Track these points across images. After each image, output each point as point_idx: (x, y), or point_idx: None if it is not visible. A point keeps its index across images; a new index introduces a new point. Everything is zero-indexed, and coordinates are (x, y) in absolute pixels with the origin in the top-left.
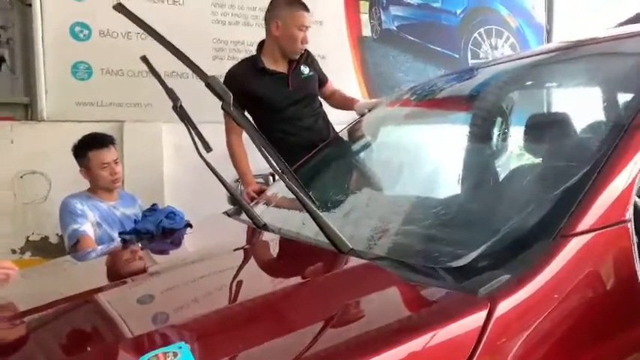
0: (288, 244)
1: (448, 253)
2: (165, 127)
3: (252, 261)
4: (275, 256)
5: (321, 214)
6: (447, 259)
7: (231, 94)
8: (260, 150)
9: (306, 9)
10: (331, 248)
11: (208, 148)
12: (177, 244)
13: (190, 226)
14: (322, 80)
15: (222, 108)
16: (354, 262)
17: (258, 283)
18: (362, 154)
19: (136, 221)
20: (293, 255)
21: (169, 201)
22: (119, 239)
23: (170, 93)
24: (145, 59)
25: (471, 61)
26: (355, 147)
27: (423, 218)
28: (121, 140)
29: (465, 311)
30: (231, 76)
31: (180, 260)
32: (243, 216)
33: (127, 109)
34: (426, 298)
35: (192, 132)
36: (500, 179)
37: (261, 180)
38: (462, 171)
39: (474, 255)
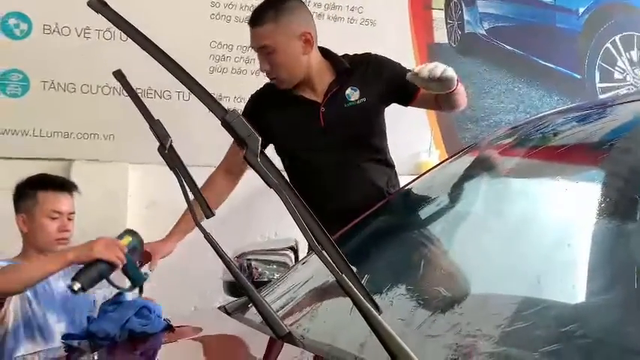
0: None
1: None
2: (132, 170)
3: None
4: None
5: (387, 326)
6: None
7: (259, 138)
8: (289, 207)
9: (254, 22)
10: None
11: (209, 213)
12: (151, 357)
13: (172, 329)
14: (409, 90)
15: (245, 158)
16: None
17: None
18: (432, 228)
19: (89, 319)
20: None
21: None
22: (60, 343)
23: (156, 127)
24: (119, 75)
25: (601, 85)
26: (421, 216)
27: (544, 338)
28: None
29: None
30: (250, 102)
31: None
32: (252, 313)
33: (78, 143)
34: None
35: (186, 186)
36: None
37: (274, 259)
38: (594, 260)
39: None
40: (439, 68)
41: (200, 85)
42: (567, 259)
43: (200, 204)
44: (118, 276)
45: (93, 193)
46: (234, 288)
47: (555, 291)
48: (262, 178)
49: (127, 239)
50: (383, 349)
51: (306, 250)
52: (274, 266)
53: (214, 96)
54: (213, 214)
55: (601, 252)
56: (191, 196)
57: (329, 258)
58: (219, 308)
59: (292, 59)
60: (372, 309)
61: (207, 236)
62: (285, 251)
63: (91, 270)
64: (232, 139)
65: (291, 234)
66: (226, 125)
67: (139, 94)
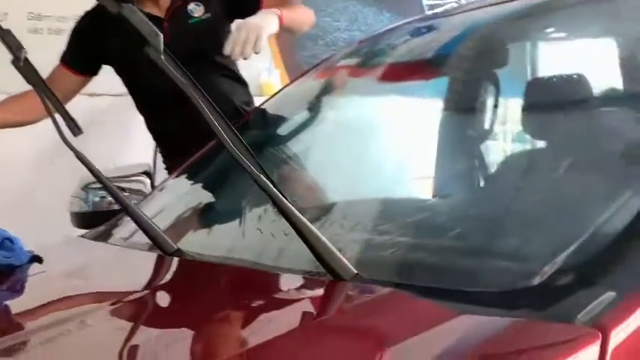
0: (238, 275)
1: (503, 270)
2: None
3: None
4: (229, 297)
5: (308, 223)
6: (507, 278)
7: (161, 34)
8: (200, 107)
9: None
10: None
11: (77, 130)
12: (18, 291)
13: (39, 260)
14: (250, 4)
15: (149, 56)
16: (364, 292)
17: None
18: (294, 145)
19: None
20: (264, 292)
21: None
22: None
23: (7, 37)
24: None
25: (427, 2)
26: (283, 133)
27: (440, 227)
28: None
29: (568, 348)
30: (83, 19)
31: (33, 326)
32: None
33: None
34: (506, 333)
35: (47, 100)
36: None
37: (127, 186)
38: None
39: (550, 269)
40: (248, 46)
41: None
42: (416, 164)
43: (66, 121)
44: None
45: None
46: (85, 219)
47: (405, 190)
48: (171, 76)
49: None
50: (272, 252)
51: (165, 174)
52: (127, 194)
53: (37, 14)
54: (82, 132)
55: (447, 156)
56: None
57: (247, 161)
58: (82, 237)
59: None
60: (293, 208)
61: (78, 154)
62: (138, 177)
63: None
64: (59, 57)
65: (141, 159)
66: (124, 20)
67: None
